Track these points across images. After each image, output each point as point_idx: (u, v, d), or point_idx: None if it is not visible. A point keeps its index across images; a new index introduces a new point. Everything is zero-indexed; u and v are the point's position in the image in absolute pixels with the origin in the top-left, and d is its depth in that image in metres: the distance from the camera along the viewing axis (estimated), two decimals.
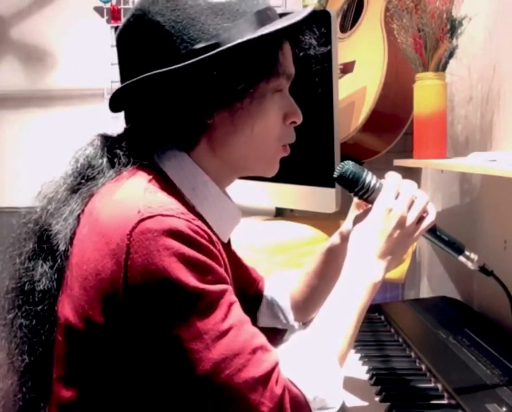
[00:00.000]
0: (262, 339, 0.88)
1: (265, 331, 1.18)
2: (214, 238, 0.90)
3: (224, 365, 0.82)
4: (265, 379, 0.83)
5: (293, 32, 0.99)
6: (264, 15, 0.94)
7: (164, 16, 0.91)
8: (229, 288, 0.87)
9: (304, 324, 1.24)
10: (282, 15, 0.98)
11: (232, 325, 0.84)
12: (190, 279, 0.82)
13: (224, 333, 0.83)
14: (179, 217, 0.84)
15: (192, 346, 0.82)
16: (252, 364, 0.83)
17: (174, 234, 0.83)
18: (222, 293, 0.85)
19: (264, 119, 0.96)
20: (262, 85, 0.93)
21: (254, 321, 1.20)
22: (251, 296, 1.25)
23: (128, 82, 0.92)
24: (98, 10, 2.69)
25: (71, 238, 0.92)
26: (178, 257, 0.82)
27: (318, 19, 1.64)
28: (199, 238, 0.85)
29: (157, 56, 0.91)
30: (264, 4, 0.96)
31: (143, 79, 0.90)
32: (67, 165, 0.99)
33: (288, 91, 1.01)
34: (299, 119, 1.00)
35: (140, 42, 0.93)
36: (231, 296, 0.87)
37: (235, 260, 1.20)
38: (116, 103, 0.94)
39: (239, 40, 0.89)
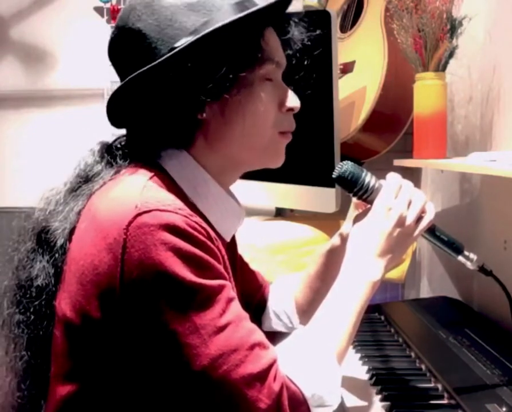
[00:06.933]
0: (260, 336, 0.87)
1: (270, 334, 1.18)
2: (213, 235, 0.89)
3: (221, 360, 0.82)
4: (263, 375, 0.83)
5: (272, 18, 0.98)
6: (242, 6, 0.94)
7: (143, 21, 0.93)
8: (227, 284, 0.87)
9: None
10: None
11: (230, 321, 0.84)
12: (187, 274, 0.82)
13: (222, 328, 0.83)
14: (176, 212, 0.84)
15: (189, 341, 0.81)
16: (250, 360, 0.83)
17: (171, 229, 0.83)
18: (220, 289, 0.85)
19: (255, 108, 0.95)
20: (247, 73, 0.93)
21: (259, 326, 1.20)
22: (257, 301, 1.24)
23: (116, 89, 0.93)
24: (98, 10, 2.69)
25: (70, 234, 0.93)
26: (174, 251, 0.82)
27: (318, 19, 1.64)
28: (196, 233, 0.85)
29: (142, 60, 0.92)
30: None
31: (128, 82, 0.92)
32: (69, 172, 1.00)
33: (282, 79, 1.00)
34: (295, 106, 1.00)
35: (126, 51, 0.96)
36: (229, 292, 0.86)
37: (241, 265, 1.20)
38: (113, 112, 0.95)
39: (212, 28, 0.90)
